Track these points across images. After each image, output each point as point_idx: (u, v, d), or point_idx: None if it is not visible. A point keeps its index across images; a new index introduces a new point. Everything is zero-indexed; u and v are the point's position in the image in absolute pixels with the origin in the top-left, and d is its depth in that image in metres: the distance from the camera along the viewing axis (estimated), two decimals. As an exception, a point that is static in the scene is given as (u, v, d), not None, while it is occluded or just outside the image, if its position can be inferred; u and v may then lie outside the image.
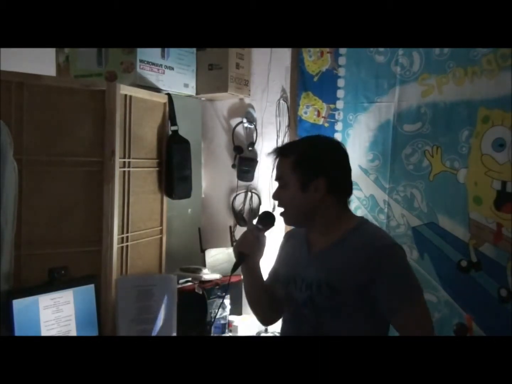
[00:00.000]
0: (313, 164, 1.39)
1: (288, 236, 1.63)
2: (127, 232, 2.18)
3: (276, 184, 1.48)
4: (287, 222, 1.49)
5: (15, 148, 1.77)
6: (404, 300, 1.30)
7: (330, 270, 1.36)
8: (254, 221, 1.57)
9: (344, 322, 1.34)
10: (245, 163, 2.62)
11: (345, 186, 1.46)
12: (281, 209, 1.46)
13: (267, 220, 1.53)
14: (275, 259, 1.62)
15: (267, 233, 1.53)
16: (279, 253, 1.61)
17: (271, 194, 1.50)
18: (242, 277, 1.58)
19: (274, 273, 1.59)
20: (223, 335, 2.23)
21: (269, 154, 1.49)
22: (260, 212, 1.70)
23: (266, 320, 1.70)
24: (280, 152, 1.45)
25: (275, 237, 1.71)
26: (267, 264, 1.60)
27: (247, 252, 1.48)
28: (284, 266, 1.53)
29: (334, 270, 1.36)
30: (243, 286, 1.61)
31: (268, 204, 2.55)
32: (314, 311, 1.37)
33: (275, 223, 1.55)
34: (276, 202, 1.50)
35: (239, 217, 2.65)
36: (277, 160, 1.46)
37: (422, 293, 1.36)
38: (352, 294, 1.32)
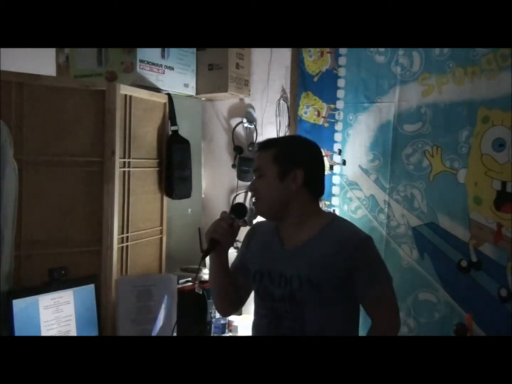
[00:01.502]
0: (293, 155, 1.46)
1: (254, 229, 1.63)
2: (127, 232, 2.18)
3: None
4: (260, 212, 1.52)
5: (15, 148, 1.77)
6: (377, 283, 1.42)
7: (310, 265, 1.39)
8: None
9: (323, 314, 1.38)
10: (245, 163, 2.62)
11: (320, 183, 1.52)
12: (255, 200, 1.50)
13: (240, 210, 1.57)
14: (240, 250, 1.63)
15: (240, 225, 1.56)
16: (245, 245, 1.61)
17: (248, 186, 1.52)
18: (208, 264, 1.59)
19: (239, 264, 1.60)
20: (223, 335, 2.23)
21: (251, 148, 1.52)
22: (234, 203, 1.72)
23: (226, 310, 1.70)
24: (262, 146, 1.51)
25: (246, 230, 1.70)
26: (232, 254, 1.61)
27: (219, 239, 1.48)
28: (255, 260, 1.54)
29: (314, 264, 1.39)
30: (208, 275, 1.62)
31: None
32: (294, 305, 1.40)
33: (246, 214, 1.59)
34: (251, 194, 1.52)
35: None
36: (257, 154, 1.52)
37: (391, 277, 1.46)
38: (332, 286, 1.38)
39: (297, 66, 2.45)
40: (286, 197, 1.44)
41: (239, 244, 1.71)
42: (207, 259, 1.56)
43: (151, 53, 2.33)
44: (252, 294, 1.57)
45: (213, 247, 1.49)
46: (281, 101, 2.53)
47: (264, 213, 1.52)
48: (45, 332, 1.84)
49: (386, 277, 1.45)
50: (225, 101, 2.74)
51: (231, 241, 1.53)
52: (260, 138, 2.60)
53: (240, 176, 2.63)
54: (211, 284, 1.63)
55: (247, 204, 2.64)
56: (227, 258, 1.56)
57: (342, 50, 2.31)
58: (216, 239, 1.48)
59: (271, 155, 1.45)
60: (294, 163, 1.44)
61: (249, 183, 2.62)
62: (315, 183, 1.49)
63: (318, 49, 2.37)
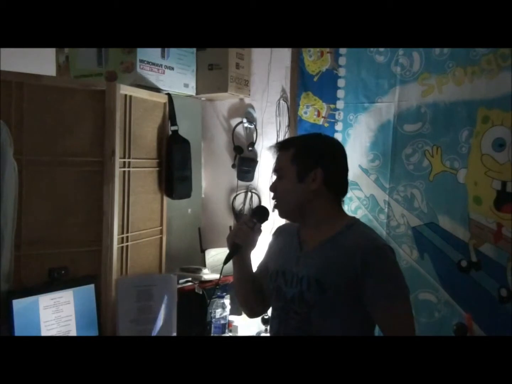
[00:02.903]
0: (312, 155, 1.42)
1: (279, 231, 1.63)
2: (127, 232, 2.18)
3: (273, 178, 1.50)
4: (281, 214, 1.50)
5: (15, 148, 1.77)
6: (389, 300, 1.32)
7: (320, 267, 1.37)
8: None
9: (331, 318, 1.35)
10: (245, 163, 2.62)
11: (341, 182, 1.48)
12: (276, 201, 1.48)
13: (261, 213, 1.55)
14: (265, 252, 1.63)
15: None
16: (269, 247, 1.62)
17: (269, 187, 1.52)
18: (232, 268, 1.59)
19: (263, 266, 1.60)
20: (223, 335, 2.23)
21: (269, 148, 1.51)
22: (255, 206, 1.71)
23: (253, 312, 1.71)
24: (281, 146, 1.48)
25: (267, 232, 1.70)
26: (256, 257, 1.61)
27: (242, 243, 1.49)
28: (274, 260, 1.53)
29: (324, 267, 1.37)
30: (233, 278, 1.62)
31: (268, 204, 2.55)
32: (303, 306, 1.38)
33: (269, 218, 1.56)
34: (272, 195, 1.51)
35: (239, 217, 2.65)
36: (277, 154, 1.49)
37: (409, 294, 1.37)
38: (341, 292, 1.34)
39: (297, 66, 2.45)
40: (307, 198, 1.41)
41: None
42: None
43: (151, 53, 2.33)
44: None
45: (235, 251, 1.50)
46: (281, 101, 2.53)
47: (285, 215, 1.51)
48: (45, 332, 1.84)
49: (401, 292, 1.34)
50: (225, 101, 2.74)
51: (253, 245, 1.52)
52: (260, 138, 2.60)
53: (240, 176, 2.64)
54: (236, 286, 1.62)
55: (248, 204, 2.65)
56: (250, 262, 1.56)
57: (342, 50, 2.31)
58: (238, 243, 1.49)
59: (290, 156, 1.43)
60: (313, 163, 1.40)
61: (249, 183, 2.64)
62: (336, 182, 1.45)
63: (318, 49, 2.37)
